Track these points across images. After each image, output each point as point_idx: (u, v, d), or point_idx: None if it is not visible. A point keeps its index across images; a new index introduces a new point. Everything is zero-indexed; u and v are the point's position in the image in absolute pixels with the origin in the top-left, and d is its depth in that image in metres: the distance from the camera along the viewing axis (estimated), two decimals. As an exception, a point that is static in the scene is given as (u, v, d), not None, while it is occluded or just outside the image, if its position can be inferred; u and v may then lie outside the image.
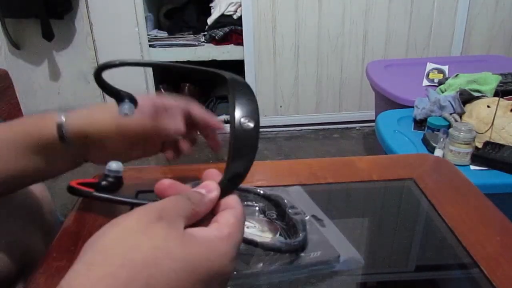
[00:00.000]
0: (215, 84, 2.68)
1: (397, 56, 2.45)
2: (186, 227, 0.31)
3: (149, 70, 2.47)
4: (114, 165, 0.49)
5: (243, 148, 0.33)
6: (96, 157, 0.48)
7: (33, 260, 0.51)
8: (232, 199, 0.34)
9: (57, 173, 0.49)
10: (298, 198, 0.62)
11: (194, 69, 0.43)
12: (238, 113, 0.33)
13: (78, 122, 0.46)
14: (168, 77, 2.72)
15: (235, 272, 0.47)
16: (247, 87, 0.36)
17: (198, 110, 0.52)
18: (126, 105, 0.43)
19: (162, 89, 2.61)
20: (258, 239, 0.49)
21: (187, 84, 2.57)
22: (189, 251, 0.29)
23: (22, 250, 0.55)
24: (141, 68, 2.45)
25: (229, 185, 0.34)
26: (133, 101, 0.44)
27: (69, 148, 0.46)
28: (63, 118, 0.46)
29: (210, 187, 0.34)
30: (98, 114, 0.46)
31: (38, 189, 0.61)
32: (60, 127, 0.45)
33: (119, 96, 0.44)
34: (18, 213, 0.57)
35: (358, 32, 2.40)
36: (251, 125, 0.33)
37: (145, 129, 0.45)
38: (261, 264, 0.48)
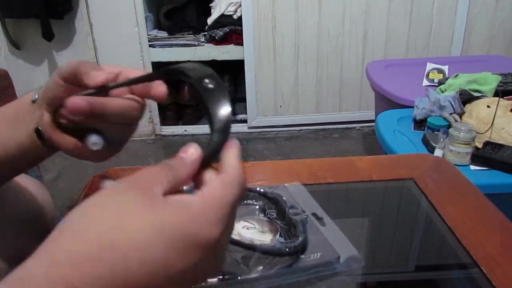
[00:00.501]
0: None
1: (397, 56, 2.45)
2: (168, 194, 0.29)
3: (149, 70, 2.46)
4: (108, 183, 0.50)
5: (216, 101, 0.33)
6: (49, 121, 0.47)
7: None
8: (230, 164, 0.30)
9: (20, 153, 0.48)
10: (298, 195, 0.62)
11: (152, 75, 0.43)
12: (197, 76, 0.36)
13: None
14: (168, 77, 2.72)
15: (237, 277, 0.47)
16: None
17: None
18: (93, 137, 0.42)
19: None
20: (258, 242, 0.49)
21: (187, 84, 2.56)
22: (158, 211, 0.27)
23: (21, 260, 0.55)
24: (141, 69, 2.45)
25: (218, 139, 0.32)
26: (100, 133, 0.43)
27: (35, 111, 0.46)
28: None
29: (189, 149, 0.31)
30: None
31: (40, 196, 0.61)
32: (37, 92, 0.46)
33: (85, 131, 0.43)
34: (19, 222, 0.57)
35: (358, 32, 2.40)
36: (214, 83, 0.34)
37: (72, 70, 0.44)
38: (261, 267, 0.48)
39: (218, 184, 0.29)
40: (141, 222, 0.26)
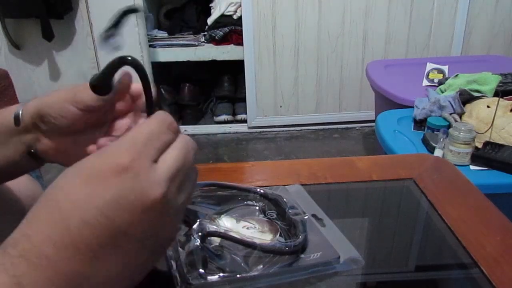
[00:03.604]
0: (215, 84, 2.68)
1: (397, 56, 2.45)
2: None
3: (149, 70, 2.46)
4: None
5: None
6: (51, 145, 0.46)
7: None
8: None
9: (10, 168, 0.47)
10: (298, 197, 0.62)
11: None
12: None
13: (33, 104, 0.45)
14: (168, 77, 2.72)
15: (237, 276, 0.47)
16: None
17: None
18: (112, 40, 0.43)
19: (162, 89, 2.61)
20: (258, 241, 0.49)
21: (187, 84, 2.57)
22: (80, 164, 0.31)
23: None
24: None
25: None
26: (116, 30, 0.43)
27: (23, 134, 0.45)
28: (21, 107, 0.45)
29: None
30: (54, 93, 0.45)
31: (28, 186, 0.61)
32: (17, 113, 0.45)
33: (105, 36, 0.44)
34: (11, 213, 0.57)
35: (358, 32, 2.40)
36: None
37: (99, 98, 0.44)
38: (261, 266, 0.48)
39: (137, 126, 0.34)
40: (69, 171, 0.31)
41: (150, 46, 2.44)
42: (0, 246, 0.28)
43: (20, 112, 0.45)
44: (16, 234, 0.29)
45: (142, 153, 0.30)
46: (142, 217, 0.29)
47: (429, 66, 1.86)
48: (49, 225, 0.28)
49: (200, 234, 0.47)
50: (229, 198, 0.60)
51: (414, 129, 1.50)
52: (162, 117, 0.33)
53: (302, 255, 0.50)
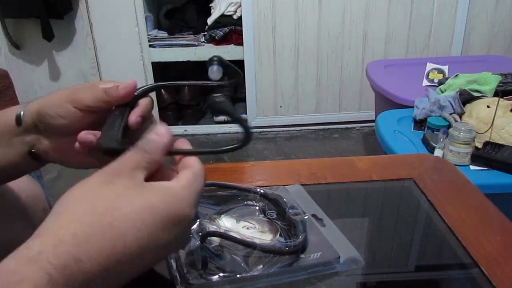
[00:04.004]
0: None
1: (397, 56, 2.45)
2: (147, 177, 0.35)
3: (149, 70, 2.47)
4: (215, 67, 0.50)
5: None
6: (51, 146, 0.46)
7: None
8: (191, 159, 0.37)
9: (11, 170, 0.47)
10: (298, 197, 0.62)
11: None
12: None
13: (35, 104, 0.45)
14: (168, 77, 2.72)
15: (237, 276, 0.47)
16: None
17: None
18: (215, 67, 0.44)
19: (162, 90, 2.61)
20: (258, 241, 0.49)
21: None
22: (148, 196, 0.33)
23: (11, 247, 0.55)
24: (141, 69, 2.45)
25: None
26: (222, 64, 0.44)
27: (24, 135, 0.45)
28: (23, 107, 0.45)
29: (161, 131, 0.36)
30: (53, 93, 0.45)
31: (28, 186, 0.61)
32: (18, 114, 0.45)
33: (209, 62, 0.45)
34: (10, 212, 0.57)
35: (358, 32, 2.40)
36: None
37: (98, 98, 0.44)
38: (261, 266, 0.48)
39: (191, 175, 0.36)
40: (135, 205, 0.32)
41: (150, 46, 2.44)
42: (36, 260, 0.28)
43: (22, 113, 0.45)
44: (62, 253, 0.29)
45: (197, 207, 0.36)
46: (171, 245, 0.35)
47: (429, 66, 1.86)
48: (107, 256, 0.30)
49: (200, 234, 0.47)
50: (229, 198, 0.60)
51: (414, 129, 1.50)
52: (203, 172, 0.38)
53: (302, 255, 0.50)
